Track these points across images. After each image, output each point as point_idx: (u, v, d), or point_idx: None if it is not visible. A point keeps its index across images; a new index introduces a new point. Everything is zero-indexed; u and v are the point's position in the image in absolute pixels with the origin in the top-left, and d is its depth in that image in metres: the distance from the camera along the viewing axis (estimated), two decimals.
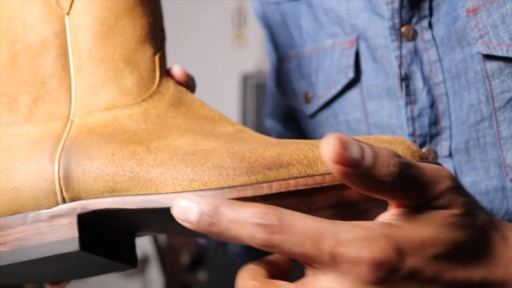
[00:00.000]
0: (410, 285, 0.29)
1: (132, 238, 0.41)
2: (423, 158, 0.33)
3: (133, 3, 0.40)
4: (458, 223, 0.30)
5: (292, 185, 0.31)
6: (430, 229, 0.30)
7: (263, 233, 0.28)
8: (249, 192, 0.31)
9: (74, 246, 0.35)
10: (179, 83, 0.41)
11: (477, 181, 0.45)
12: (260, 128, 0.78)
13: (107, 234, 0.38)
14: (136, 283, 2.82)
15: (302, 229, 0.28)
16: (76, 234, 0.35)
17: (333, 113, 0.56)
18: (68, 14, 0.40)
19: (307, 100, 0.58)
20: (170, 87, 0.40)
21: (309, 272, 0.30)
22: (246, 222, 0.28)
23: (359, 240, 0.28)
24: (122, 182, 0.34)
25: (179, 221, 0.30)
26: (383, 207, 0.32)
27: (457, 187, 0.31)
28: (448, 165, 0.48)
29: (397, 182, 0.29)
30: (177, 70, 0.42)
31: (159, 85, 0.39)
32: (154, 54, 0.40)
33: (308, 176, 0.31)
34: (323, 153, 0.28)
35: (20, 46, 0.40)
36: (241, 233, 0.29)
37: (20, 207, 0.36)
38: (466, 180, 0.46)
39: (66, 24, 0.40)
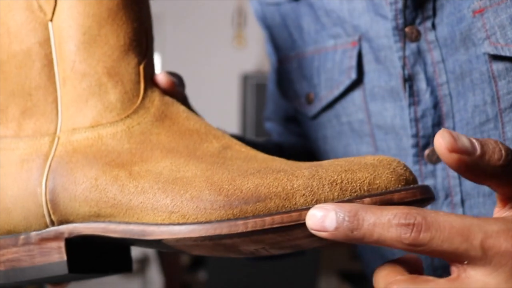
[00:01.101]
0: None
1: (126, 246, 0.41)
2: (410, 182, 0.32)
3: (116, 8, 0.38)
4: None
5: (267, 223, 0.31)
6: None
7: (410, 233, 0.28)
8: (224, 230, 0.31)
9: (63, 269, 0.36)
10: (164, 91, 0.40)
11: None
12: (260, 128, 0.78)
13: (98, 249, 0.38)
14: (136, 283, 2.82)
15: (449, 225, 0.28)
16: (64, 258, 0.36)
17: (335, 115, 0.56)
18: (51, 20, 0.38)
19: (309, 101, 0.58)
20: (155, 99, 0.39)
21: (455, 269, 0.30)
22: (390, 224, 0.28)
23: (509, 231, 0.28)
24: (106, 208, 0.35)
25: (314, 232, 0.30)
26: None
27: None
28: None
29: (507, 166, 0.30)
30: (161, 79, 0.40)
31: (143, 98, 0.38)
32: (139, 63, 0.39)
33: (284, 213, 0.31)
34: (438, 146, 0.29)
35: (6, 55, 0.39)
36: (386, 235, 0.29)
37: (12, 227, 0.37)
38: (470, 182, 0.46)
39: (50, 32, 0.39)
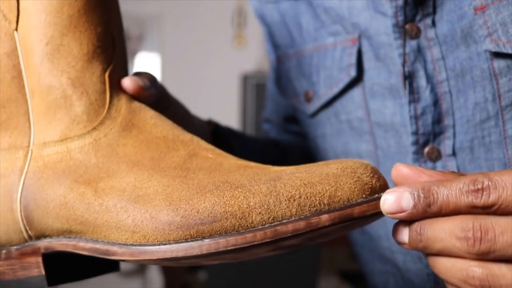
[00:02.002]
0: None
1: None
2: (376, 190, 0.31)
3: (77, 15, 0.37)
4: None
5: (222, 245, 0.31)
6: None
7: (481, 197, 0.29)
8: (180, 253, 0.32)
9: (43, 283, 0.37)
10: (133, 96, 0.40)
11: None
12: (260, 128, 0.78)
13: (80, 257, 0.38)
14: (136, 283, 2.82)
15: None
16: (43, 272, 0.37)
17: (334, 112, 0.55)
18: (16, 30, 0.38)
19: (308, 99, 0.58)
20: (122, 108, 0.38)
21: None
22: (461, 192, 0.29)
23: None
24: (75, 225, 0.35)
25: (390, 216, 0.30)
26: (317, 240, 0.33)
27: None
28: (452, 164, 0.47)
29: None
30: (128, 84, 0.39)
31: (109, 107, 0.38)
32: (104, 70, 0.38)
33: (239, 234, 0.31)
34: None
35: None
36: (461, 204, 0.29)
37: None
38: None
39: (16, 42, 0.38)
